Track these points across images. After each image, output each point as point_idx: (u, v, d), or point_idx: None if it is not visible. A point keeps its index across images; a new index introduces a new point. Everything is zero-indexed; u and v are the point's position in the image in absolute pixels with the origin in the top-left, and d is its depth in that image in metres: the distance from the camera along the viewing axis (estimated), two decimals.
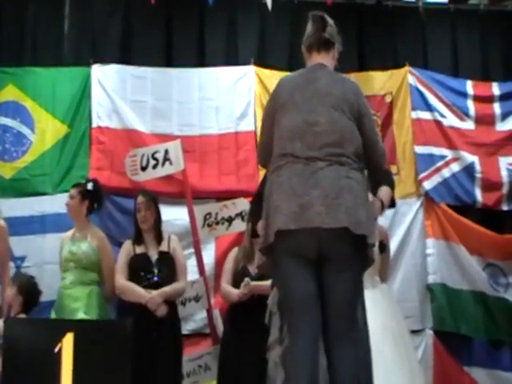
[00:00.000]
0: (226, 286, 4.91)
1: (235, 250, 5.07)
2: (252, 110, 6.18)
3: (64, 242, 4.98)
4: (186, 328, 5.49)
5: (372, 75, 6.41)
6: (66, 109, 5.98)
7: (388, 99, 6.39)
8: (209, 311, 5.33)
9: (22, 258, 5.58)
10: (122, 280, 4.80)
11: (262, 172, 4.70)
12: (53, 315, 4.83)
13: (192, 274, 5.26)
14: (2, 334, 3.94)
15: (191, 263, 5.32)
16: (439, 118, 6.39)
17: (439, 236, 6.16)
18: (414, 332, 5.62)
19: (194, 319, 5.64)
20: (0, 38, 6.26)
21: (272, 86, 3.45)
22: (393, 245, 5.71)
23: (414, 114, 6.37)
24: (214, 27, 6.48)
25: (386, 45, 6.72)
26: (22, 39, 6.25)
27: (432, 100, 6.41)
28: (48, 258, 5.49)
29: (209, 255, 5.71)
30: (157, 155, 5.36)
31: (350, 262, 2.93)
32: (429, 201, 6.24)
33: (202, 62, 6.41)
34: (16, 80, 6.02)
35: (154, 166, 5.37)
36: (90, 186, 5.06)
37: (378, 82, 6.40)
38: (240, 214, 5.32)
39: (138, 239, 4.94)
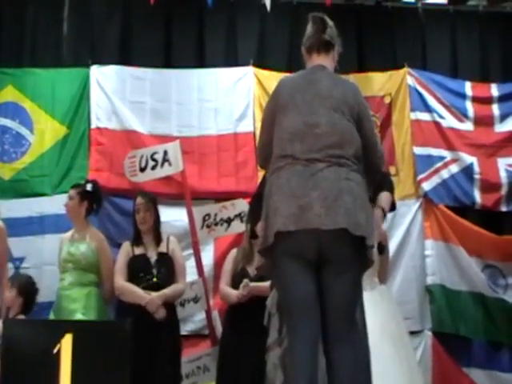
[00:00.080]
0: (225, 287, 4.91)
1: (234, 251, 5.07)
2: (251, 111, 6.17)
3: (63, 243, 4.97)
4: (185, 329, 5.50)
5: (371, 76, 6.40)
6: (65, 110, 5.98)
7: (387, 100, 6.39)
8: (208, 312, 5.32)
9: (21, 259, 5.58)
10: (121, 281, 4.80)
11: (261, 173, 4.72)
12: (51, 316, 4.83)
13: (191, 275, 5.26)
14: (1, 334, 3.93)
15: (190, 264, 5.31)
16: (438, 119, 6.39)
17: (438, 237, 6.16)
18: (413, 333, 5.60)
19: (192, 320, 5.64)
20: None
21: (271, 87, 3.45)
22: (392, 246, 5.71)
23: (413, 115, 6.37)
24: (213, 28, 6.47)
25: (385, 46, 6.72)
26: (22, 40, 6.24)
27: (431, 101, 6.41)
28: (47, 258, 5.48)
29: (208, 256, 5.71)
30: (156, 156, 5.35)
31: (349, 264, 2.92)
32: (428, 202, 6.23)
33: (201, 63, 6.40)
34: (15, 81, 6.02)
35: (153, 167, 5.35)
36: (89, 187, 5.06)
37: (377, 82, 6.39)
38: (239, 215, 5.32)
39: (137, 240, 4.94)
